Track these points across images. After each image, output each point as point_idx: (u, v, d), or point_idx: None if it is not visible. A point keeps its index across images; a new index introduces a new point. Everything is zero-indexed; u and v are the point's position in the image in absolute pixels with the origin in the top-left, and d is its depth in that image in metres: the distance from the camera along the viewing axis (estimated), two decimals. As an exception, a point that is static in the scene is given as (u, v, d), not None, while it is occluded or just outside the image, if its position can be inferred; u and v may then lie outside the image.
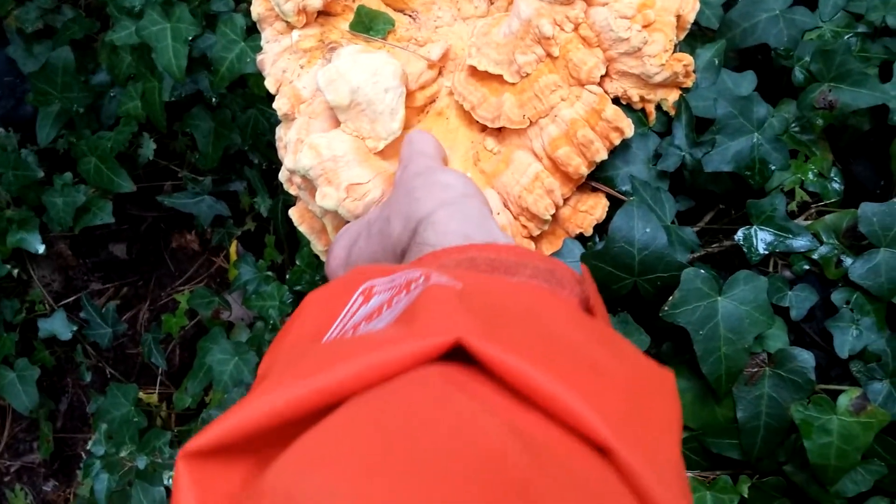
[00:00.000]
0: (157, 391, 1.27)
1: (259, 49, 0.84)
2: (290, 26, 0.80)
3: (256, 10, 0.81)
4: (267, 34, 0.82)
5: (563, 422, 0.30)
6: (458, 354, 0.32)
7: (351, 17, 0.80)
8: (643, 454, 0.30)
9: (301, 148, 0.74)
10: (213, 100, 1.06)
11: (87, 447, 1.29)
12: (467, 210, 0.54)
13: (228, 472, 0.31)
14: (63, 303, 1.36)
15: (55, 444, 1.33)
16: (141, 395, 1.25)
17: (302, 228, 0.84)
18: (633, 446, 0.30)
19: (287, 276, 1.02)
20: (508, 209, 0.75)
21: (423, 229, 0.53)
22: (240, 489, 0.31)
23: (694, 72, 0.72)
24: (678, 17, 0.72)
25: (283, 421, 0.30)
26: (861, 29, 0.72)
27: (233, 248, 1.25)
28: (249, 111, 1.06)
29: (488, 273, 0.45)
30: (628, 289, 0.67)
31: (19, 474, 1.36)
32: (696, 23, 0.73)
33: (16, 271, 1.32)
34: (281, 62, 0.80)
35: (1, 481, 1.36)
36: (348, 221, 0.71)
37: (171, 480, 0.97)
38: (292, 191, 0.82)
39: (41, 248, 1.29)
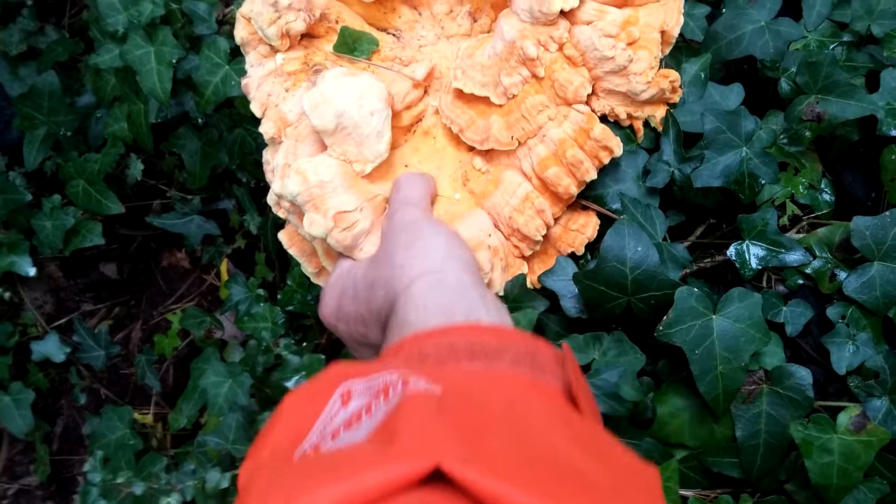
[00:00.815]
0: (151, 412, 1.26)
1: (243, 72, 0.83)
2: (274, 50, 0.79)
3: (240, 34, 0.80)
4: (251, 58, 0.81)
5: None
6: (438, 475, 0.31)
7: (335, 38, 0.79)
8: None
9: (288, 173, 0.73)
10: (200, 120, 1.05)
11: (84, 470, 1.28)
12: (448, 280, 0.54)
13: None
14: (55, 324, 1.35)
15: (51, 467, 1.32)
16: (136, 415, 1.25)
17: (292, 251, 0.83)
18: None
19: (279, 297, 1.02)
20: (499, 229, 0.74)
21: (403, 303, 0.53)
22: None
23: (681, 86, 0.72)
24: (662, 32, 0.72)
25: None
26: (846, 38, 0.72)
27: (223, 267, 1.24)
28: (236, 130, 1.05)
29: (469, 360, 0.45)
30: (622, 307, 0.67)
31: (17, 497, 1.35)
32: (680, 35, 0.73)
33: (7, 294, 1.31)
34: (265, 86, 0.79)
35: (-1, 506, 1.36)
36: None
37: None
38: (281, 214, 0.81)
39: (32, 271, 1.28)
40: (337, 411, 0.39)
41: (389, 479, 0.30)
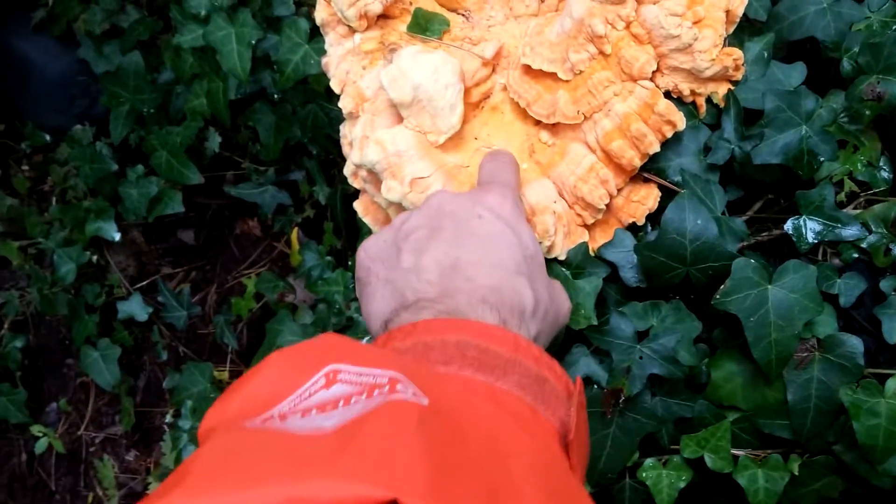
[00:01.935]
0: (227, 369, 1.35)
1: (322, 52, 0.88)
2: (352, 30, 0.84)
3: (320, 15, 0.85)
4: (330, 38, 0.86)
5: None
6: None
7: (408, 19, 0.84)
8: None
9: (367, 144, 0.79)
10: (276, 96, 1.12)
11: (166, 420, 1.38)
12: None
13: None
14: (138, 286, 1.45)
15: (135, 417, 1.43)
16: (214, 372, 1.33)
17: (366, 219, 0.89)
18: None
19: (349, 263, 1.08)
20: (563, 198, 0.78)
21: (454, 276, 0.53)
22: None
23: (743, 65, 0.75)
24: (727, 11, 0.74)
25: None
26: (911, 18, 0.73)
27: (294, 235, 1.31)
28: (309, 106, 1.11)
29: (474, 370, 0.44)
30: (680, 277, 0.70)
31: (104, 445, 1.46)
32: (744, 15, 0.75)
33: (95, 258, 1.41)
34: (344, 64, 0.84)
35: (87, 451, 1.47)
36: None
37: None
38: (357, 184, 0.87)
39: (117, 236, 1.38)
40: (318, 390, 0.38)
41: (340, 497, 0.29)
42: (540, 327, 0.55)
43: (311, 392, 0.37)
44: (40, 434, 1.39)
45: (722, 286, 0.67)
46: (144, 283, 1.45)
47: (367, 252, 0.61)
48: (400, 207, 0.78)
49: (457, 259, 0.55)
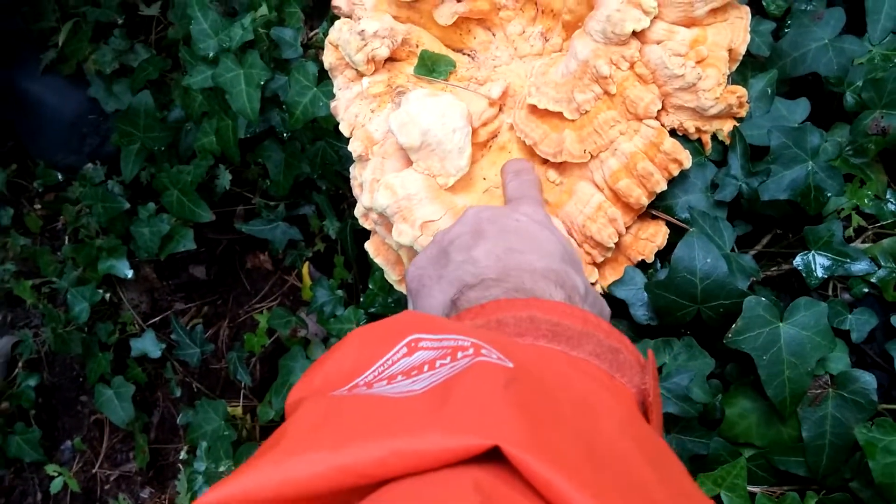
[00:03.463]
0: (241, 404, 1.35)
1: (331, 94, 0.90)
2: (360, 74, 0.85)
3: (328, 59, 0.87)
4: (339, 81, 0.87)
5: None
6: (495, 453, 0.30)
7: (415, 61, 0.85)
8: None
9: (377, 188, 0.80)
10: (285, 134, 1.13)
11: (180, 456, 1.39)
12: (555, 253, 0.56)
13: None
14: (151, 322, 1.46)
15: (149, 454, 1.43)
16: (227, 408, 1.34)
17: (377, 260, 0.89)
18: None
19: (361, 299, 1.09)
20: (572, 237, 0.79)
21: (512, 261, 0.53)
22: None
23: (748, 102, 0.75)
24: (730, 50, 0.75)
25: (301, 494, 0.30)
26: (913, 51, 0.73)
27: (305, 269, 1.32)
28: (318, 143, 1.12)
29: (548, 340, 0.44)
30: (692, 315, 0.71)
31: (118, 483, 1.47)
32: (746, 51, 0.76)
33: (108, 295, 1.42)
34: (353, 108, 0.86)
35: (102, 489, 1.47)
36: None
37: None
38: (367, 225, 0.87)
39: (129, 274, 1.39)
40: (400, 358, 0.38)
41: (446, 447, 0.29)
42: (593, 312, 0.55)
43: (395, 360, 0.38)
44: (55, 474, 1.39)
45: (734, 325, 0.67)
46: (157, 318, 1.46)
47: (415, 265, 0.62)
48: (411, 250, 0.79)
49: (508, 247, 0.56)
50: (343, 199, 1.27)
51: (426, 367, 0.37)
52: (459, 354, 0.37)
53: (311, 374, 0.41)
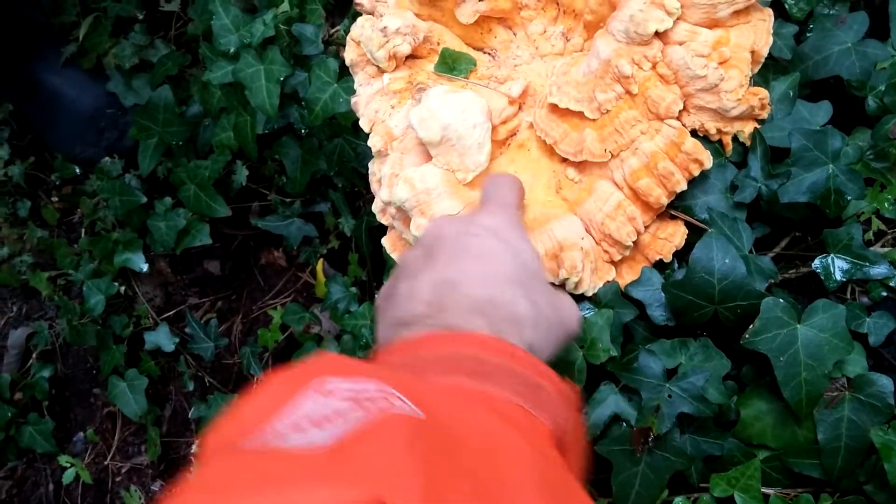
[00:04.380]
0: (252, 399, 1.36)
1: (351, 91, 0.90)
2: (381, 70, 0.86)
3: (349, 56, 0.87)
4: (360, 78, 0.88)
5: None
6: None
7: (436, 58, 0.86)
8: None
9: (396, 182, 0.80)
10: (303, 131, 1.13)
11: (192, 450, 1.39)
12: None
13: None
14: (165, 316, 1.46)
15: (161, 447, 1.44)
16: (238, 402, 1.34)
17: (394, 256, 0.90)
18: None
19: (375, 295, 1.09)
20: (591, 234, 0.79)
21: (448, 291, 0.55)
22: None
23: (769, 104, 0.75)
24: (752, 52, 0.75)
25: None
26: (936, 56, 0.73)
27: (319, 266, 1.33)
28: (335, 140, 1.12)
29: (469, 377, 0.45)
30: (709, 316, 0.71)
31: (130, 475, 1.47)
32: (769, 54, 0.76)
33: (122, 289, 1.43)
34: (373, 104, 0.86)
35: (114, 481, 1.48)
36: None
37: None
38: (385, 221, 0.88)
39: (145, 267, 1.40)
40: (308, 404, 0.38)
41: (337, 500, 0.30)
42: (539, 336, 0.56)
43: (303, 406, 0.38)
44: (68, 465, 1.40)
45: (751, 326, 0.67)
46: (171, 312, 1.47)
47: (380, 295, 0.64)
48: (428, 245, 0.79)
49: (450, 277, 0.57)
50: (359, 196, 1.27)
51: (335, 417, 0.37)
52: (368, 405, 0.37)
53: (228, 419, 0.41)
